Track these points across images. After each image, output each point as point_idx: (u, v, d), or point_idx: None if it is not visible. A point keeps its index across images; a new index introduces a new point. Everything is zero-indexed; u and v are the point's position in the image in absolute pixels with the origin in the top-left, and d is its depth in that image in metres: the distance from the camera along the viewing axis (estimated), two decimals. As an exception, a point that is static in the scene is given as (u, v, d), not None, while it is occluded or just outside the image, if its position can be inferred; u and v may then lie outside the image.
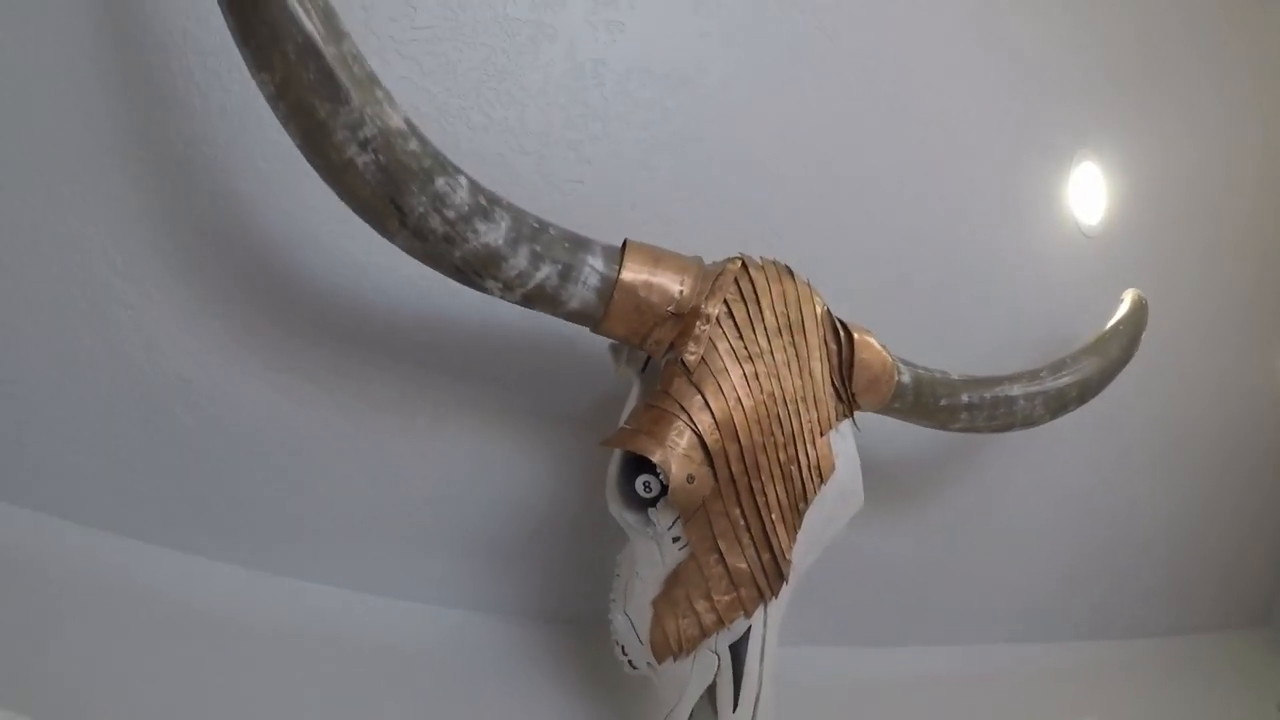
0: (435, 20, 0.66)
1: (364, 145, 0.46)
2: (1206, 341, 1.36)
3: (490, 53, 0.68)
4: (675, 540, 0.55)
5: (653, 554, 0.56)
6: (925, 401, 0.73)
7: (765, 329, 0.60)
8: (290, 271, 0.66)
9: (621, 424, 0.58)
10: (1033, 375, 0.82)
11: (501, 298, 0.54)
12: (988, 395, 0.77)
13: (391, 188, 0.47)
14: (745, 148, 0.81)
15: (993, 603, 1.13)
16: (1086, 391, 0.85)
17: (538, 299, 0.54)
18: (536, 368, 0.73)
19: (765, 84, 0.82)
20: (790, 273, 0.65)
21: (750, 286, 0.61)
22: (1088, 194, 1.12)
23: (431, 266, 0.52)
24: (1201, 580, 1.46)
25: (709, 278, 0.60)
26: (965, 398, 0.75)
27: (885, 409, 0.71)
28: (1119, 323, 0.95)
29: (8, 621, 0.54)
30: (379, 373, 0.68)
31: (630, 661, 0.60)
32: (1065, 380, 0.83)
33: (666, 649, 0.55)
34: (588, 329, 0.58)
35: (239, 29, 0.44)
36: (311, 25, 0.43)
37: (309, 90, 0.44)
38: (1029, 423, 0.80)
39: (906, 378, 0.71)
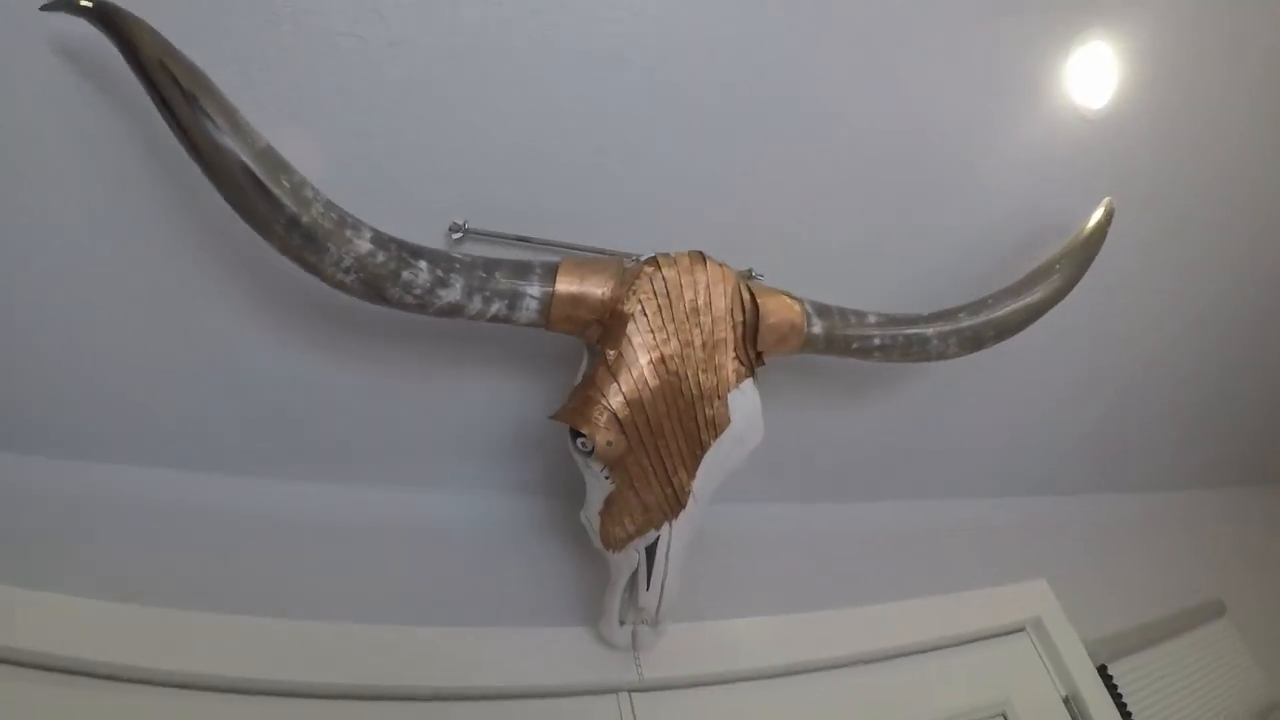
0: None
1: (347, 271, 0.68)
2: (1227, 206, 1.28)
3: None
4: (607, 477, 0.80)
5: (595, 482, 0.82)
6: (838, 345, 0.89)
7: (674, 317, 0.79)
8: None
9: (571, 391, 0.81)
10: (950, 315, 0.93)
11: (472, 322, 0.76)
12: (900, 336, 0.90)
13: (373, 291, 0.69)
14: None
15: (1001, 456, 1.29)
16: (1004, 331, 0.95)
17: (497, 322, 0.76)
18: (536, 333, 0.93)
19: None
20: (703, 259, 0.82)
21: (662, 284, 0.79)
22: (1092, 75, 1.06)
23: (418, 315, 0.75)
24: (1216, 434, 1.49)
25: (627, 280, 0.79)
26: (878, 340, 0.89)
27: (800, 353, 0.88)
28: (1057, 259, 0.98)
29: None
30: (410, 337, 0.92)
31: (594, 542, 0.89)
32: (980, 320, 0.93)
33: (608, 544, 0.83)
34: (543, 329, 0.80)
35: (239, 211, 0.65)
36: (291, 204, 0.64)
37: (300, 250, 0.66)
38: (943, 357, 0.93)
39: (818, 329, 0.87)
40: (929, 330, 0.91)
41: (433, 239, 0.85)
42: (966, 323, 0.92)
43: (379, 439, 0.97)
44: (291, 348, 0.89)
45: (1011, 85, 1.05)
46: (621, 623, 0.88)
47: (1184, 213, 1.27)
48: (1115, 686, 1.16)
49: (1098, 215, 1.04)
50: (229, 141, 0.62)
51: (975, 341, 0.93)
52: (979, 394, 1.25)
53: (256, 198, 0.64)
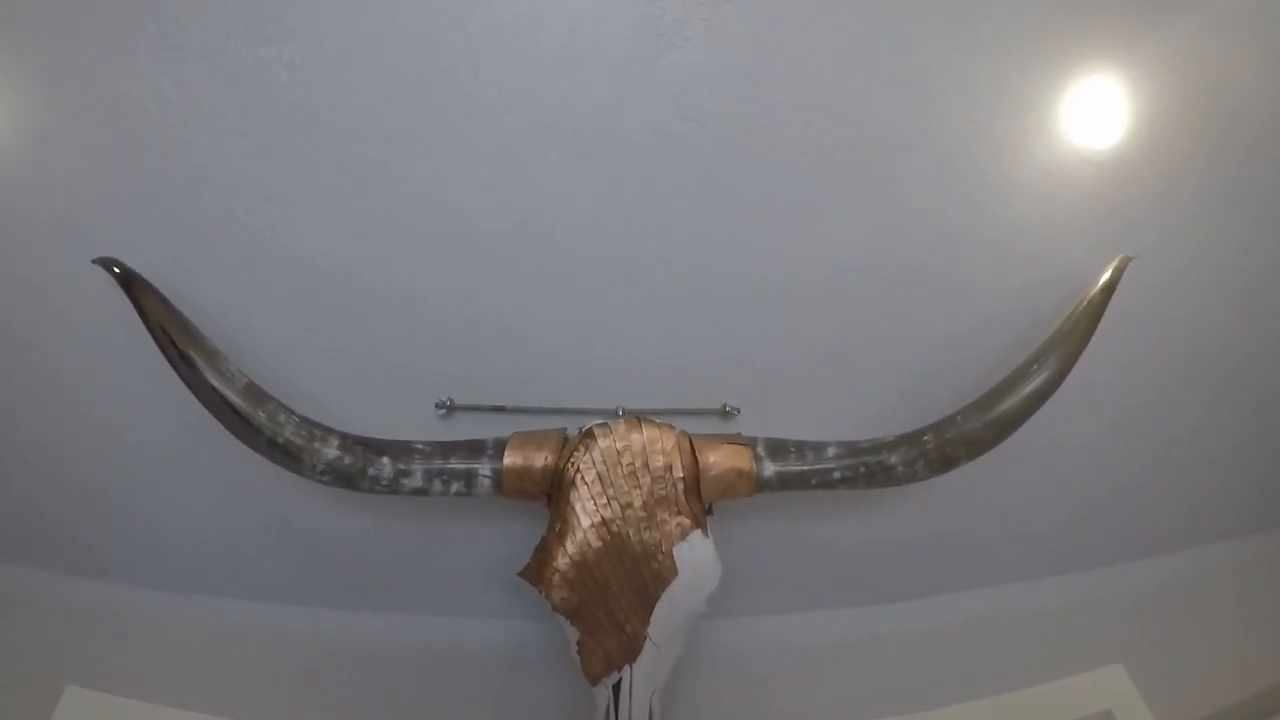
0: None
1: (321, 473, 0.84)
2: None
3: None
4: (572, 624, 0.88)
5: (566, 628, 0.90)
6: (795, 483, 0.89)
7: (612, 481, 0.85)
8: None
9: (534, 550, 0.90)
10: (914, 439, 0.88)
11: (440, 498, 0.88)
12: (861, 467, 0.87)
13: (347, 483, 0.85)
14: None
15: (1043, 534, 1.17)
16: (976, 448, 0.87)
17: (459, 496, 0.87)
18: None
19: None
20: (639, 424, 0.87)
21: (599, 453, 0.86)
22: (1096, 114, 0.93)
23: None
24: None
25: (567, 451, 0.86)
26: (838, 473, 0.88)
27: (757, 494, 0.89)
28: (1030, 362, 0.88)
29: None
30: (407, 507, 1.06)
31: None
32: (949, 437, 0.87)
33: (588, 678, 0.90)
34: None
35: (232, 432, 0.84)
36: (268, 428, 0.82)
37: (281, 460, 0.84)
38: (913, 480, 0.88)
39: (769, 472, 0.88)
40: (892, 458, 0.88)
41: (424, 413, 0.99)
42: (932, 445, 0.88)
43: (411, 573, 1.12)
44: (335, 502, 1.06)
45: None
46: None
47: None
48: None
49: (1105, 275, 0.91)
50: (217, 384, 0.83)
51: (945, 463, 0.88)
52: (1026, 466, 1.13)
53: (240, 424, 0.84)
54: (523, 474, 0.86)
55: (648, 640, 0.86)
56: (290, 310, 0.96)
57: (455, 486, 0.87)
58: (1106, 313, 0.93)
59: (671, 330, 0.99)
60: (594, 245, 0.95)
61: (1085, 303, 0.91)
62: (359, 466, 0.85)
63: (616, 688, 0.88)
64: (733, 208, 0.94)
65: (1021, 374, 0.88)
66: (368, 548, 1.09)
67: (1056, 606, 1.19)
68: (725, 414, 0.99)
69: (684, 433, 0.88)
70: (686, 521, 0.85)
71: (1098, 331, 0.93)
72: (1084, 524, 1.19)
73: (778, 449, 0.89)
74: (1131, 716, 1.05)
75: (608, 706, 0.90)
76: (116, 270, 0.85)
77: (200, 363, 0.83)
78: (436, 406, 0.98)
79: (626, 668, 0.87)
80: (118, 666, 1.07)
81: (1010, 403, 0.87)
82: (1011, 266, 1.00)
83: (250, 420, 0.83)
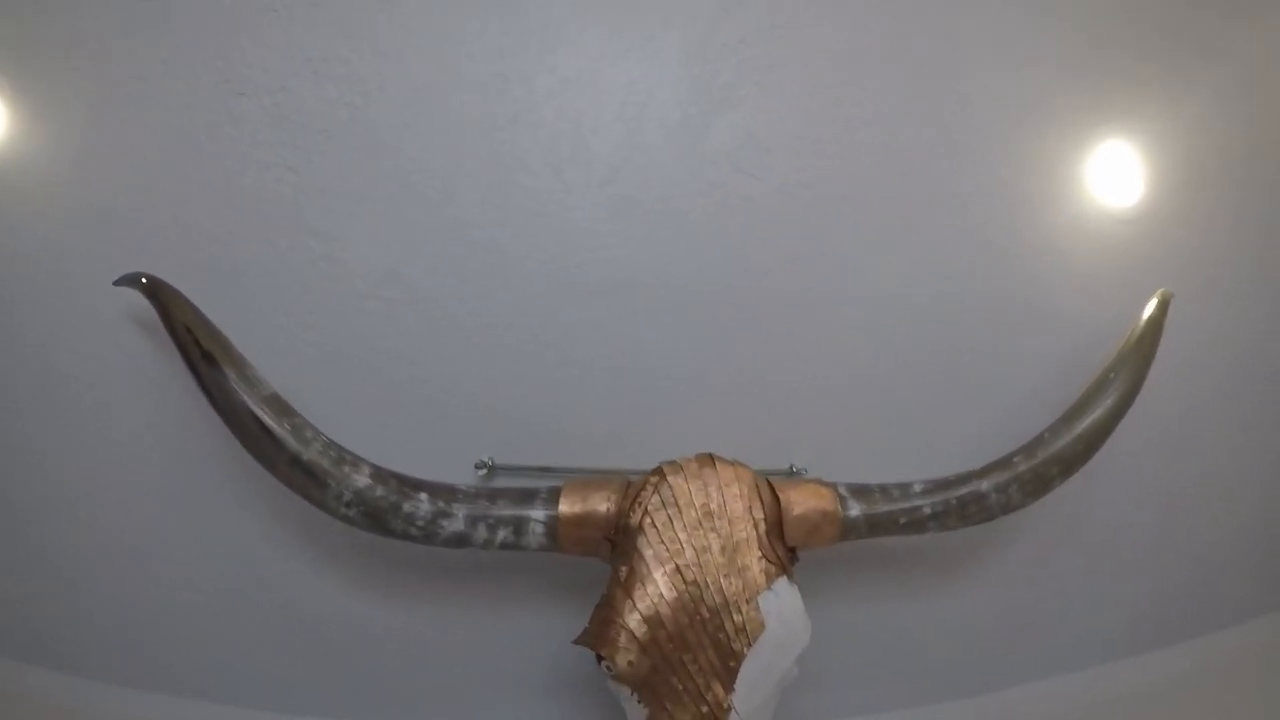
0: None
1: (348, 505, 0.73)
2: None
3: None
4: (639, 700, 0.73)
5: (629, 708, 0.75)
6: (884, 525, 0.80)
7: (685, 524, 0.75)
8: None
9: (592, 613, 0.77)
10: (1004, 463, 0.83)
11: (483, 551, 0.77)
12: (952, 500, 0.80)
13: (376, 523, 0.73)
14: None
15: (1105, 619, 1.08)
16: (1069, 466, 0.83)
17: (505, 549, 0.76)
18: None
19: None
20: (712, 461, 0.79)
21: (670, 492, 0.77)
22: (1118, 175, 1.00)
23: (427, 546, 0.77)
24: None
25: (632, 493, 0.77)
26: (928, 509, 0.80)
27: (843, 541, 0.80)
28: (1110, 369, 0.88)
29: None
30: (455, 574, 0.93)
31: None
32: (1039, 460, 0.82)
33: (658, 774, 0.74)
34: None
35: (249, 449, 0.74)
36: (293, 443, 0.72)
37: (304, 484, 0.73)
38: (1009, 509, 0.82)
39: (855, 512, 0.79)
40: (984, 485, 0.81)
41: (462, 474, 0.88)
42: (1024, 466, 0.82)
43: (429, 677, 0.96)
44: (346, 583, 0.93)
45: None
46: None
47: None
48: None
49: (1150, 309, 0.93)
50: (239, 390, 0.73)
51: (1040, 484, 0.83)
52: (1102, 525, 1.09)
53: (261, 437, 0.73)
54: (582, 520, 0.75)
55: (733, 713, 0.72)
56: (326, 353, 0.88)
57: (503, 535, 0.75)
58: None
59: (730, 388, 0.94)
60: (651, 300, 0.93)
61: (1145, 319, 0.92)
62: (392, 501, 0.73)
63: (701, 770, 0.72)
64: (790, 260, 0.95)
65: (1099, 386, 0.86)
66: (382, 642, 0.93)
67: (1155, 687, 1.07)
68: (792, 475, 0.92)
69: (759, 473, 0.81)
70: (772, 567, 0.75)
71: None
72: (1178, 583, 1.11)
73: (861, 490, 0.81)
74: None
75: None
76: (143, 281, 0.77)
77: (223, 364, 0.73)
78: (476, 467, 0.89)
79: (708, 744, 0.72)
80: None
81: (1095, 415, 0.84)
82: (1060, 319, 1.01)
83: (273, 432, 0.72)
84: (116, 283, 0.79)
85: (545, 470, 0.88)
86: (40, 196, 0.88)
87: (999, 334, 0.99)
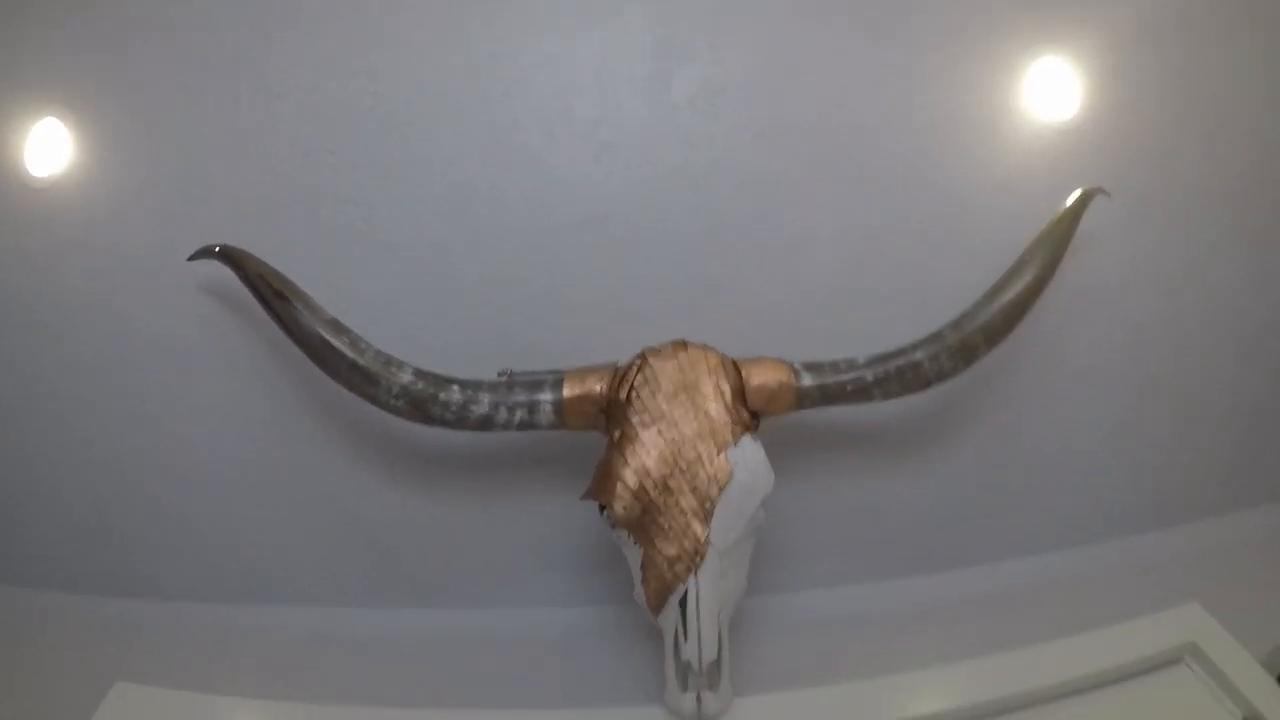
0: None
1: (396, 397, 0.92)
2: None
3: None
4: (634, 543, 0.90)
5: (628, 552, 0.92)
6: (834, 393, 0.95)
7: (665, 395, 0.92)
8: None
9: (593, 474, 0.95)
10: (935, 337, 0.97)
11: (503, 433, 0.95)
12: (892, 368, 0.95)
13: (419, 411, 0.92)
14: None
15: (1073, 503, 1.20)
16: (992, 336, 0.96)
17: (523, 428, 0.94)
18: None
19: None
20: (685, 345, 0.95)
21: (651, 371, 0.93)
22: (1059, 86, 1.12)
23: (459, 430, 0.95)
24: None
25: (620, 374, 0.94)
26: (870, 377, 0.95)
27: (799, 409, 0.95)
28: (1028, 251, 1.00)
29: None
30: (481, 468, 1.13)
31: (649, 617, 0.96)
32: (966, 332, 0.95)
33: (652, 608, 0.90)
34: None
35: (315, 362, 0.94)
36: (350, 353, 0.91)
37: (360, 385, 0.92)
38: (942, 376, 0.96)
39: (808, 381, 0.95)
40: (918, 355, 0.95)
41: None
42: (952, 338, 0.96)
43: (465, 564, 1.15)
44: (394, 483, 1.13)
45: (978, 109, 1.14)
46: (685, 690, 0.92)
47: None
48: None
49: (1070, 200, 1.04)
50: (306, 317, 0.93)
51: (967, 352, 0.96)
52: (1071, 413, 1.22)
53: (326, 351, 0.93)
54: (582, 399, 0.93)
55: (710, 547, 0.88)
56: (365, 296, 1.07)
57: (520, 415, 0.93)
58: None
59: (699, 299, 1.11)
60: (630, 229, 1.10)
61: (1065, 208, 1.03)
62: (431, 392, 0.92)
63: (683, 603, 0.88)
64: (748, 188, 1.11)
65: (1018, 266, 0.99)
66: (423, 537, 1.13)
67: (1124, 565, 1.19)
68: None
69: (725, 354, 0.97)
70: (737, 427, 0.91)
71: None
72: (1143, 477, 1.24)
73: (813, 365, 0.96)
74: (1215, 644, 1.01)
75: (675, 629, 0.89)
76: (216, 250, 0.98)
77: (292, 299, 0.94)
78: (498, 375, 1.04)
79: (691, 579, 0.87)
80: (166, 669, 1.04)
81: (1014, 291, 0.97)
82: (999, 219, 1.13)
83: (334, 346, 0.92)
84: (191, 258, 1.00)
85: (553, 372, 1.04)
86: (111, 192, 1.10)
87: (941, 239, 1.12)
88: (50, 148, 1.09)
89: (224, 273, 0.99)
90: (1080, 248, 1.08)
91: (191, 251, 1.00)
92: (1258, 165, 1.21)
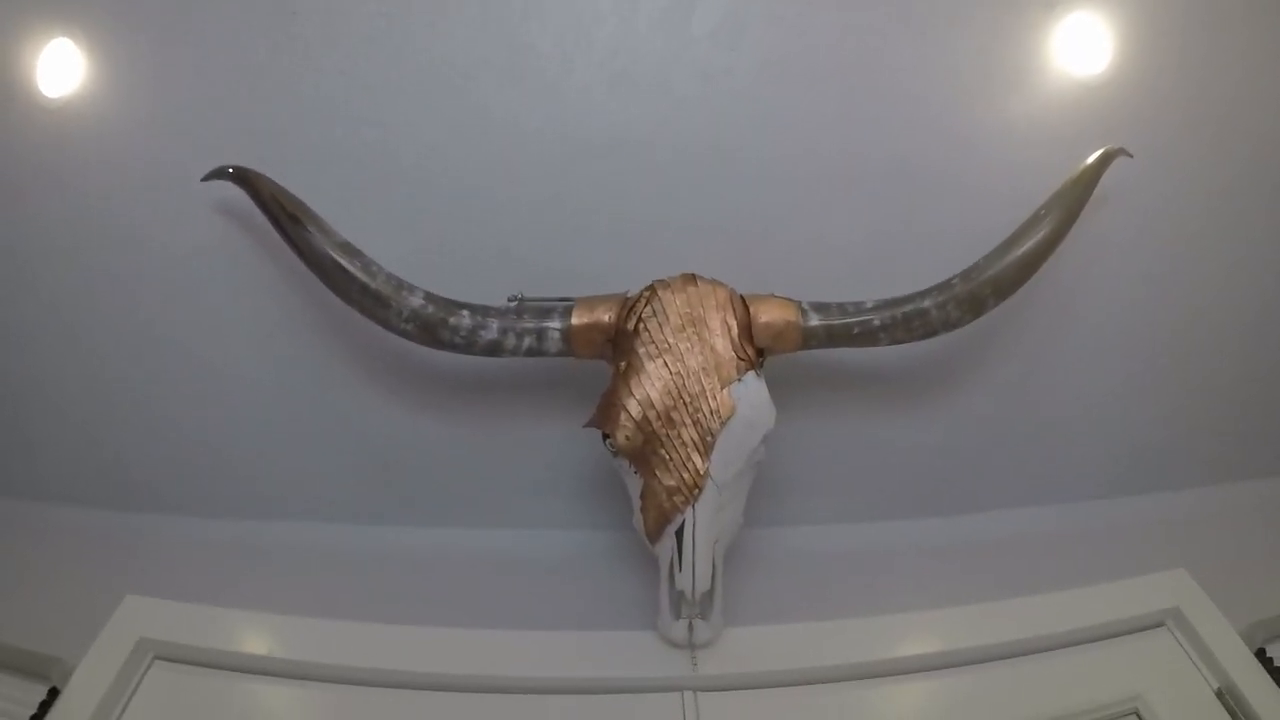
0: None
1: (406, 320, 0.92)
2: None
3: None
4: (635, 472, 0.91)
5: (629, 480, 0.94)
6: (840, 334, 0.95)
7: (672, 328, 0.92)
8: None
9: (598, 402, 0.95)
10: (944, 285, 0.96)
11: (511, 359, 0.95)
12: (898, 314, 0.94)
13: (429, 335, 0.93)
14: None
15: (1073, 460, 1.21)
16: (1001, 289, 0.95)
17: (530, 355, 0.95)
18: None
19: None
20: (694, 279, 0.95)
21: (659, 303, 0.93)
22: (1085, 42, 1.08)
23: (468, 355, 0.95)
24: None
25: (629, 305, 0.94)
26: (877, 321, 0.95)
27: (805, 348, 0.95)
28: (1044, 206, 0.98)
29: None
30: (493, 396, 1.15)
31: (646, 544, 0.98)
32: (975, 283, 0.94)
33: (649, 536, 0.93)
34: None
35: (328, 285, 0.94)
36: (362, 276, 0.91)
37: (371, 307, 0.93)
38: (948, 326, 0.95)
39: (814, 321, 0.95)
40: (926, 303, 0.94)
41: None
42: (961, 288, 0.95)
43: (475, 485, 1.18)
44: (398, 410, 1.15)
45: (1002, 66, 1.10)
46: (678, 618, 0.95)
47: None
48: (1280, 669, 0.97)
49: (1091, 159, 1.02)
50: (319, 239, 0.93)
51: (975, 303, 0.95)
52: (1083, 392, 1.22)
53: (337, 273, 0.93)
54: (590, 328, 0.93)
55: (709, 480, 0.89)
56: (379, 217, 1.08)
57: (528, 342, 0.93)
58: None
59: (712, 230, 1.10)
60: (645, 158, 1.08)
61: (1084, 166, 1.01)
62: (440, 316, 0.92)
63: (679, 534, 0.90)
64: (765, 122, 1.08)
65: (1034, 220, 0.97)
66: (430, 458, 1.16)
67: (1114, 525, 1.21)
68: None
69: (733, 290, 0.97)
70: (742, 363, 0.91)
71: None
72: (1144, 442, 1.25)
73: (821, 306, 0.96)
74: (1198, 611, 1.03)
75: (671, 558, 0.91)
76: (230, 170, 0.97)
77: (305, 222, 0.94)
78: (509, 300, 1.03)
79: (689, 509, 0.89)
80: (176, 583, 1.07)
81: (1027, 245, 0.95)
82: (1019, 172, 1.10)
83: (346, 269, 0.92)
84: (205, 178, 0.99)
85: (563, 300, 1.04)
86: (124, 112, 1.09)
87: (954, 187, 1.11)
88: (63, 67, 1.08)
89: (238, 194, 0.98)
90: (1097, 207, 1.06)
91: (205, 172, 0.99)
92: (1277, 128, 1.17)
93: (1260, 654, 0.94)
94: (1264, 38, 1.13)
